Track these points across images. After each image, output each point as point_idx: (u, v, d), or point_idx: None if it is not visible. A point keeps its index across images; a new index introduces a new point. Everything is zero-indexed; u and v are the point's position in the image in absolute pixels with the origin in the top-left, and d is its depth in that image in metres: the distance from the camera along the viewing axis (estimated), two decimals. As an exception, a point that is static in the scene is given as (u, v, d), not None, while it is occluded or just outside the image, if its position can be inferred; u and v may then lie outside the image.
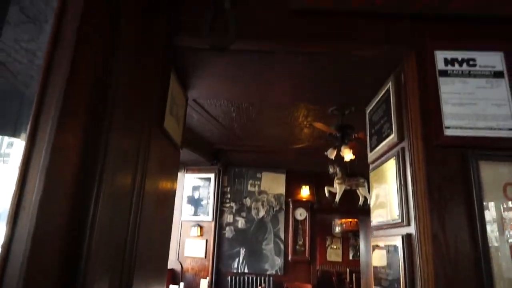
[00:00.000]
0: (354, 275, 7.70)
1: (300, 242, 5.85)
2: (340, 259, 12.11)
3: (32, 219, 0.66)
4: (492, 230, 1.11)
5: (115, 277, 0.76)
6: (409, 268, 1.13)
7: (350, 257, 12.57)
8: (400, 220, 1.25)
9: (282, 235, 5.90)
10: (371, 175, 1.75)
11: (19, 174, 0.71)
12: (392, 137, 1.52)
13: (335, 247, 10.83)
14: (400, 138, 1.47)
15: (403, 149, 1.44)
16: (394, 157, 1.48)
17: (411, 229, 1.17)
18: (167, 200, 1.19)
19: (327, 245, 10.58)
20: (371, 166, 1.80)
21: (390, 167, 1.51)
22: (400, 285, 1.16)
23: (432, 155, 1.25)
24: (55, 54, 0.79)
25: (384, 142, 1.62)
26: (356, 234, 11.67)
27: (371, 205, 1.60)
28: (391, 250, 1.30)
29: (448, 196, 1.16)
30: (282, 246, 5.84)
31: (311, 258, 5.76)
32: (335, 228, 9.14)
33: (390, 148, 1.58)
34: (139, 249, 0.84)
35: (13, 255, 0.65)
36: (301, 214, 5.94)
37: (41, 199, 0.67)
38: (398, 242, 1.20)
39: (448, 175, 1.20)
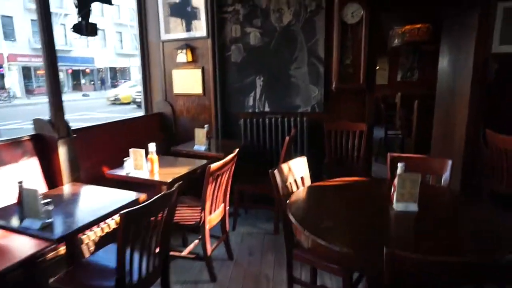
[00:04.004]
0: (417, 101, 5.68)
1: (348, 61, 3.64)
2: (385, 82, 10.14)
3: None
4: None
5: None
6: None
7: (398, 79, 10.58)
8: None
9: (321, 52, 3.65)
10: None
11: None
12: None
13: (378, 67, 8.81)
14: None
15: None
16: None
17: None
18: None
19: (370, 66, 8.42)
20: None
21: None
22: None
23: None
24: None
25: None
26: (416, 51, 9.19)
27: None
28: None
29: None
30: (321, 69, 3.68)
31: (367, 84, 3.64)
32: (394, 40, 6.63)
33: None
34: None
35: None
36: (353, 14, 3.49)
37: None
38: None
39: None
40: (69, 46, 28.58)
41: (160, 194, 1.70)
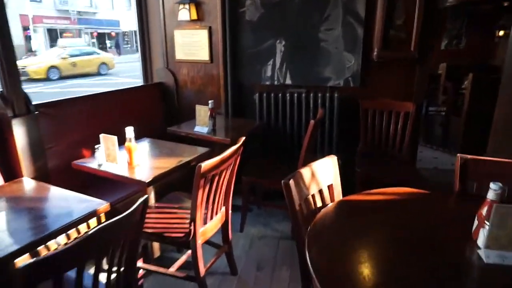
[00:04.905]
0: (471, 74, 4.71)
1: (400, 22, 2.80)
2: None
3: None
4: None
5: None
6: None
7: (442, 47, 9.34)
8: None
9: (360, 9, 2.82)
10: None
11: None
12: None
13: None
14: None
15: None
16: None
17: None
18: None
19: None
20: None
21: None
22: None
23: None
24: None
25: None
26: (466, 13, 8.02)
27: None
28: None
29: None
30: (359, 31, 2.86)
31: (419, 52, 2.80)
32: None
33: None
34: None
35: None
36: (408, -45, 2.62)
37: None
38: None
39: None
40: (94, 8, 28.01)
41: (104, 224, 1.07)
